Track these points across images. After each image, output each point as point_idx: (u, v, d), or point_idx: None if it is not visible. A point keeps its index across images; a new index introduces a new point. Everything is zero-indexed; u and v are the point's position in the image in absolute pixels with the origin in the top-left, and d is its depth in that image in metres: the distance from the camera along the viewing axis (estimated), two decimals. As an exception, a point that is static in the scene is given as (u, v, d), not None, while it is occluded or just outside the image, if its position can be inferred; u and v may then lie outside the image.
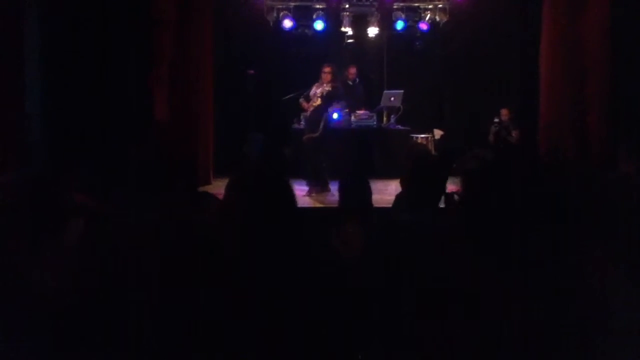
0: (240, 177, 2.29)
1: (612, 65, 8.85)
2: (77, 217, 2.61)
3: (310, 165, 9.06)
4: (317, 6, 11.64)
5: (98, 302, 2.10)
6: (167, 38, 8.50)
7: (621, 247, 1.91)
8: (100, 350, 2.05)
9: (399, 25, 11.57)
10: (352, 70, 11.21)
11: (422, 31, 11.82)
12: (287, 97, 9.95)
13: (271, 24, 11.56)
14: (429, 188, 3.23)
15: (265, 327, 1.98)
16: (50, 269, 2.24)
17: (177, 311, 2.04)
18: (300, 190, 8.55)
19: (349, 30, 12.16)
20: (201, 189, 4.44)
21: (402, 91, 11.18)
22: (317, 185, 8.93)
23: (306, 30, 11.84)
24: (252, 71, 11.54)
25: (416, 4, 11.78)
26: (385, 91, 11.38)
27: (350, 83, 11.09)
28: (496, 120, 11.08)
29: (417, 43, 12.21)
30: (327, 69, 9.00)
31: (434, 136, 11.47)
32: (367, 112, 11.01)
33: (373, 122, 11.02)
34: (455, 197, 3.24)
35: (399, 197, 3.93)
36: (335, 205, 4.61)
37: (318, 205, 8.17)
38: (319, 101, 8.98)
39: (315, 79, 9.19)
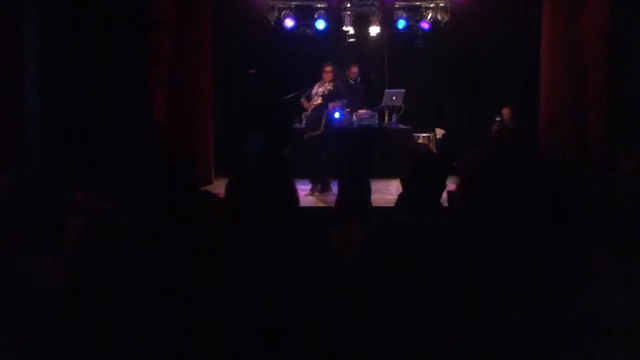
0: (240, 177, 2.29)
1: (612, 65, 8.85)
2: (76, 217, 2.61)
3: (312, 165, 9.07)
4: (319, 5, 11.65)
5: (98, 302, 2.10)
6: (167, 38, 8.49)
7: (621, 247, 1.91)
8: (100, 351, 2.05)
9: (400, 24, 11.58)
10: (354, 70, 11.21)
11: (423, 30, 11.82)
12: (288, 96, 9.96)
13: (272, 23, 11.57)
14: (430, 187, 3.23)
15: (265, 327, 1.98)
16: (50, 269, 2.24)
17: (177, 311, 2.04)
18: (302, 190, 8.55)
19: (350, 30, 12.16)
20: (202, 188, 4.45)
21: (403, 90, 11.18)
22: (318, 185, 8.93)
23: (307, 30, 11.84)
24: (252, 71, 11.54)
25: (417, 3, 11.79)
26: (386, 90, 11.38)
27: (352, 82, 11.09)
28: (497, 119, 11.07)
29: (419, 42, 12.21)
30: (328, 68, 9.02)
31: (435, 135, 11.47)
32: (368, 111, 11.01)
33: (374, 121, 11.02)
34: (459, 193, 3.23)
35: (401, 197, 3.93)
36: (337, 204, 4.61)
37: (319, 205, 8.17)
38: (319, 100, 8.99)
39: (317, 78, 9.20)
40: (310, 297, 2.04)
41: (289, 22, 11.46)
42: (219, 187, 8.81)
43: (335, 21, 11.72)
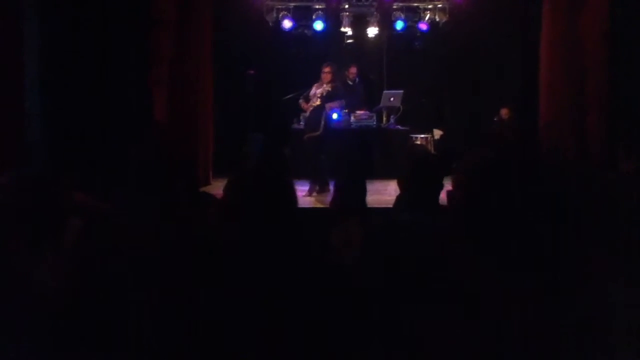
0: (239, 177, 2.29)
1: (612, 65, 8.85)
2: (76, 217, 2.61)
3: (311, 165, 9.06)
4: (317, 6, 11.65)
5: (98, 302, 2.10)
6: (167, 38, 8.49)
7: (621, 247, 1.91)
8: (100, 351, 2.05)
9: (399, 25, 11.58)
10: (353, 70, 11.20)
11: (421, 31, 11.83)
12: (287, 97, 9.96)
13: (271, 24, 11.57)
14: (428, 188, 3.23)
15: (265, 327, 1.98)
16: (50, 269, 2.24)
17: (177, 311, 2.04)
18: (301, 191, 8.54)
19: (348, 31, 12.16)
20: (201, 189, 4.44)
21: (401, 91, 11.18)
22: (317, 185, 8.93)
23: (306, 31, 11.84)
24: (252, 71, 11.54)
25: (416, 4, 11.79)
26: (385, 91, 11.38)
27: (351, 83, 11.08)
28: (497, 119, 11.07)
29: (417, 43, 12.21)
30: (326, 69, 9.01)
31: (433, 136, 11.47)
32: (366, 112, 11.01)
33: (373, 122, 11.01)
34: (458, 193, 3.24)
35: (399, 198, 3.93)
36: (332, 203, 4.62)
37: (318, 205, 8.16)
38: (318, 101, 8.98)
39: (315, 79, 9.20)
40: (310, 297, 2.04)
41: (287, 23, 11.47)
42: (217, 187, 8.81)
43: (333, 22, 11.73)
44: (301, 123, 10.16)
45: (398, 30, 11.70)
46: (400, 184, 3.46)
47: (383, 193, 7.80)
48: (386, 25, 11.79)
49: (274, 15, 11.55)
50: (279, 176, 2.25)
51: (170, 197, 2.94)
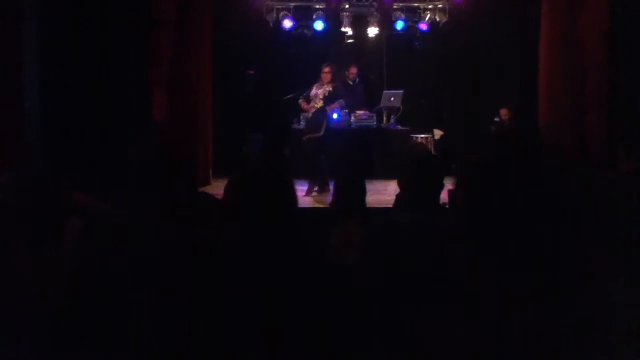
0: (240, 177, 2.29)
1: (611, 65, 8.85)
2: (76, 217, 2.61)
3: (310, 165, 9.06)
4: (317, 6, 11.65)
5: (98, 302, 2.10)
6: (167, 38, 8.49)
7: (621, 247, 1.90)
8: (100, 351, 2.05)
9: (399, 25, 11.59)
10: (353, 70, 11.20)
11: (421, 31, 11.84)
12: (287, 97, 9.96)
13: (271, 24, 11.56)
14: (428, 188, 3.23)
15: (265, 327, 1.98)
16: (50, 269, 2.24)
17: (177, 311, 2.04)
18: (300, 191, 8.54)
19: (348, 31, 12.17)
20: (201, 189, 4.44)
21: (401, 91, 11.18)
22: (317, 185, 8.92)
23: (306, 31, 11.85)
24: (251, 71, 11.55)
25: (416, 4, 11.80)
26: (385, 91, 11.38)
27: (351, 83, 11.08)
28: (496, 119, 11.07)
29: (417, 43, 12.23)
30: (326, 69, 8.99)
31: (433, 136, 11.47)
32: (367, 112, 11.01)
33: (373, 122, 11.02)
34: (459, 193, 3.23)
35: (399, 197, 3.93)
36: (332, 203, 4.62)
37: (318, 205, 8.16)
38: (320, 103, 8.96)
39: (315, 79, 9.18)
40: (310, 297, 2.04)
41: (287, 23, 11.47)
42: (217, 187, 8.81)
43: (333, 22, 11.73)
44: (301, 123, 10.16)
45: (398, 30, 11.71)
46: (400, 184, 3.46)
47: (383, 193, 7.80)
48: (386, 25, 11.80)
49: (274, 15, 11.56)
50: (279, 176, 2.25)
51: (170, 197, 2.94)
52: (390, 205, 4.14)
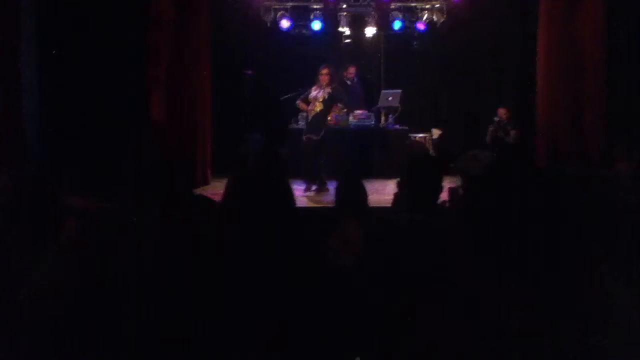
0: (238, 177, 2.29)
1: (609, 65, 8.87)
2: (75, 218, 2.61)
3: (309, 165, 9.05)
4: (315, 6, 11.64)
5: (97, 302, 2.10)
6: (165, 38, 8.49)
7: (621, 247, 1.91)
8: (99, 351, 2.05)
9: (397, 25, 11.58)
10: (352, 70, 11.19)
11: (419, 31, 11.84)
12: (284, 97, 9.95)
13: (268, 24, 11.56)
14: (427, 188, 3.23)
15: (264, 327, 1.98)
16: (49, 269, 2.24)
17: (177, 311, 2.04)
18: (298, 190, 8.55)
19: (346, 31, 12.16)
20: (200, 189, 4.46)
21: (400, 91, 11.17)
22: (315, 185, 8.92)
23: (303, 31, 11.84)
24: (249, 71, 11.54)
25: (413, 4, 11.79)
26: (383, 91, 11.37)
27: (349, 83, 11.07)
28: (496, 119, 11.06)
29: (415, 43, 12.22)
30: (324, 71, 8.92)
31: (432, 136, 11.47)
32: (365, 112, 11.00)
33: (371, 122, 11.01)
34: (460, 191, 3.25)
35: (397, 198, 3.94)
36: (333, 205, 4.61)
37: (316, 205, 8.16)
38: (320, 105, 8.93)
39: (313, 79, 9.14)
40: (310, 296, 2.04)
41: (284, 23, 11.46)
42: (216, 187, 8.81)
43: (331, 22, 11.72)
44: (300, 123, 10.15)
45: (396, 30, 11.70)
46: (399, 185, 3.46)
47: (381, 193, 7.79)
48: (384, 25, 11.78)
49: (272, 15, 11.55)
50: (277, 177, 2.25)
51: (169, 197, 2.94)
52: (388, 205, 4.14)
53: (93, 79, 7.28)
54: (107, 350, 2.05)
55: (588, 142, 9.08)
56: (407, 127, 11.19)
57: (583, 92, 9.19)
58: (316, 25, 11.50)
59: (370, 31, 12.06)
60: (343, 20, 11.91)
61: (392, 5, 11.62)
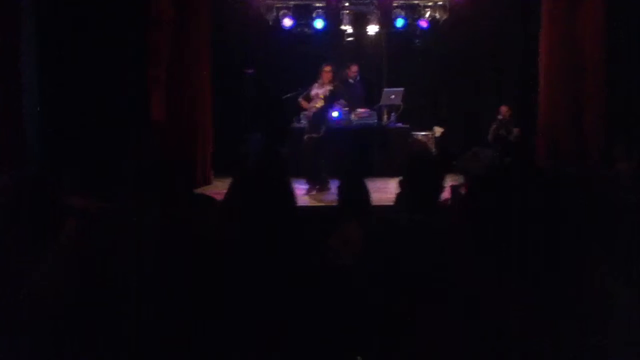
0: (239, 177, 2.29)
1: (610, 65, 8.86)
2: (75, 218, 2.60)
3: (310, 164, 9.04)
4: (317, 4, 11.63)
5: (97, 302, 2.10)
6: (165, 38, 8.48)
7: (621, 247, 1.91)
8: (99, 351, 2.05)
9: (399, 23, 11.57)
10: (354, 68, 11.16)
11: (421, 29, 11.81)
12: (286, 96, 9.94)
13: (270, 22, 11.55)
14: (428, 187, 3.23)
15: (265, 326, 1.98)
16: (49, 269, 2.24)
17: (177, 311, 2.04)
18: (300, 190, 8.54)
19: (348, 29, 12.14)
20: (201, 189, 4.46)
21: (402, 89, 11.15)
22: (317, 184, 8.91)
23: (306, 29, 11.82)
24: (250, 70, 11.52)
25: (416, 2, 11.78)
26: (385, 89, 11.36)
27: (351, 81, 11.04)
28: (499, 117, 11.03)
29: (417, 41, 12.19)
30: (327, 69, 8.96)
31: (433, 134, 11.45)
32: (367, 110, 10.98)
33: (373, 120, 10.99)
34: (462, 189, 3.24)
35: (399, 197, 3.93)
36: (335, 204, 4.61)
37: (317, 204, 8.16)
38: (321, 102, 8.94)
39: (315, 77, 9.15)
40: (310, 296, 2.04)
41: (287, 22, 11.45)
42: (218, 187, 8.81)
43: (333, 20, 11.70)
44: (302, 122, 10.15)
45: (398, 28, 11.69)
46: (400, 184, 3.45)
47: (383, 191, 7.78)
48: (386, 22, 11.77)
49: (274, 13, 11.54)
50: (277, 176, 2.25)
51: (169, 197, 2.94)
52: (391, 204, 4.14)
53: (93, 79, 7.29)
54: (107, 350, 2.05)
55: (588, 142, 9.07)
56: (409, 125, 11.18)
57: (583, 92, 9.19)
58: (318, 23, 11.49)
59: (372, 29, 12.04)
60: (345, 18, 11.89)
61: (395, 3, 11.61)
